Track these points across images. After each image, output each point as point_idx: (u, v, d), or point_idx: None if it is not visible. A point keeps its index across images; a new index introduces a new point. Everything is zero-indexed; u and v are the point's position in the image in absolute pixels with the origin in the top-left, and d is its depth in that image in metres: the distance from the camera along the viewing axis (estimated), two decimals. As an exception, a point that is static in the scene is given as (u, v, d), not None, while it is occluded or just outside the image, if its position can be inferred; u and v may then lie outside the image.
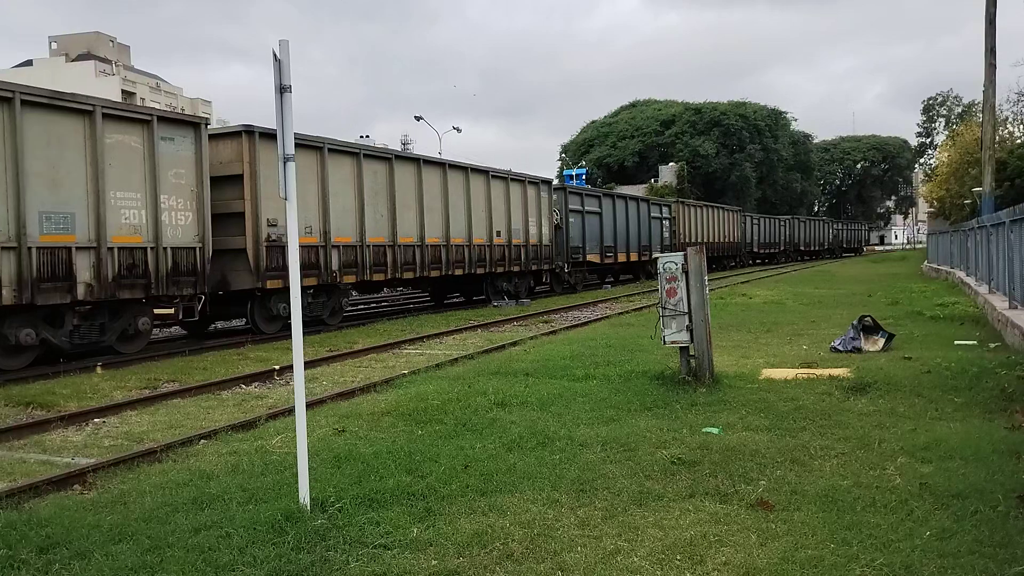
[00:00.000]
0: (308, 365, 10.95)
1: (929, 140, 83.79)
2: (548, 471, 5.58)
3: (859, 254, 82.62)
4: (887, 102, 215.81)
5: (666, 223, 38.04)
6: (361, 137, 55.33)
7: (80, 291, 11.89)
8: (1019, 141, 44.25)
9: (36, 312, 11.63)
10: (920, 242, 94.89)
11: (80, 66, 73.18)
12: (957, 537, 4.22)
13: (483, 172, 22.88)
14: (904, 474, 5.32)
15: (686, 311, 8.52)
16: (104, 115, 12.25)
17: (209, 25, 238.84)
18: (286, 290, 15.54)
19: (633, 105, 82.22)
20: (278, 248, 15.27)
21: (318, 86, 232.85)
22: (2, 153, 11.02)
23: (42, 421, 8.13)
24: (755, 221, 55.74)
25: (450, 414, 7.45)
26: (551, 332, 15.42)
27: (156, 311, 13.72)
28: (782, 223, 61.78)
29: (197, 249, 13.78)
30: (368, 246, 17.79)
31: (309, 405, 7.54)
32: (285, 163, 4.87)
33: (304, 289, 15.98)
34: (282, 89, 4.87)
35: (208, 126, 14.35)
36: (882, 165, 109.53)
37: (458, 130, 62.53)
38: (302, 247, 15.51)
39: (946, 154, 56.39)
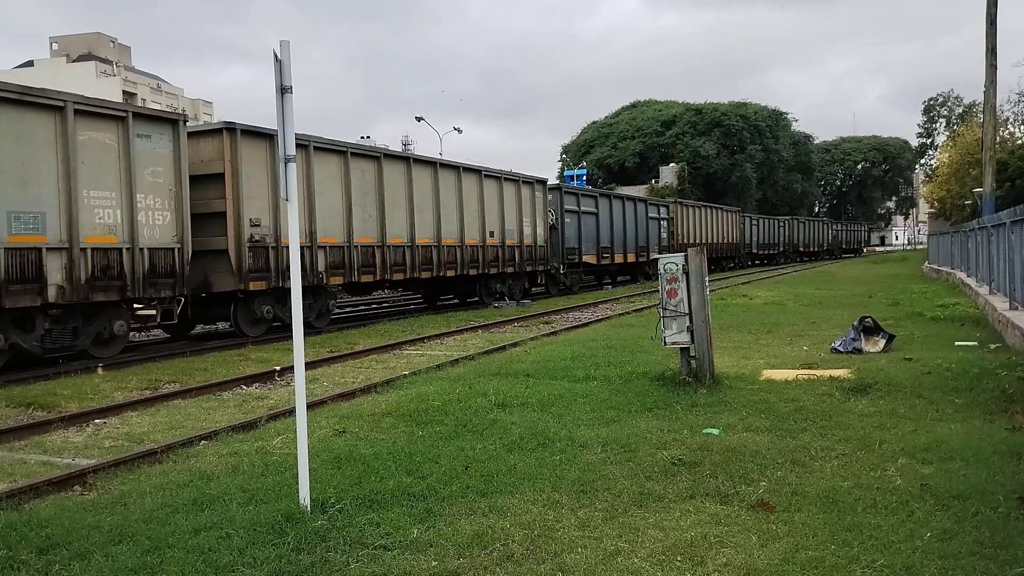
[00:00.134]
0: (309, 366, 10.96)
1: (930, 141, 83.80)
2: (549, 472, 5.58)
3: (858, 255, 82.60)
4: (888, 102, 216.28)
5: (664, 223, 37.83)
6: (362, 138, 55.32)
7: (51, 293, 11.51)
8: (1020, 142, 44.29)
9: (5, 315, 11.19)
10: (921, 243, 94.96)
11: (81, 67, 73.25)
12: (958, 538, 4.22)
13: (475, 171, 22.64)
14: (905, 475, 5.31)
15: (687, 312, 8.52)
16: (76, 111, 11.86)
17: (209, 25, 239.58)
18: (270, 292, 15.39)
19: (634, 106, 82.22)
20: (261, 249, 15.02)
21: (318, 86, 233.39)
22: None
23: (43, 422, 8.13)
24: (754, 222, 55.70)
25: (451, 415, 7.45)
26: (552, 333, 15.42)
27: (140, 313, 13.39)
28: (781, 224, 61.75)
29: (176, 250, 13.40)
30: (356, 247, 17.50)
31: (310, 406, 7.54)
32: (287, 164, 4.88)
33: (288, 291, 15.60)
34: (283, 90, 4.87)
35: (187, 123, 13.98)
36: (883, 166, 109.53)
37: (459, 131, 62.52)
38: (286, 248, 15.25)
39: (947, 155, 56.46)
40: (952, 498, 4.81)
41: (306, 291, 16.57)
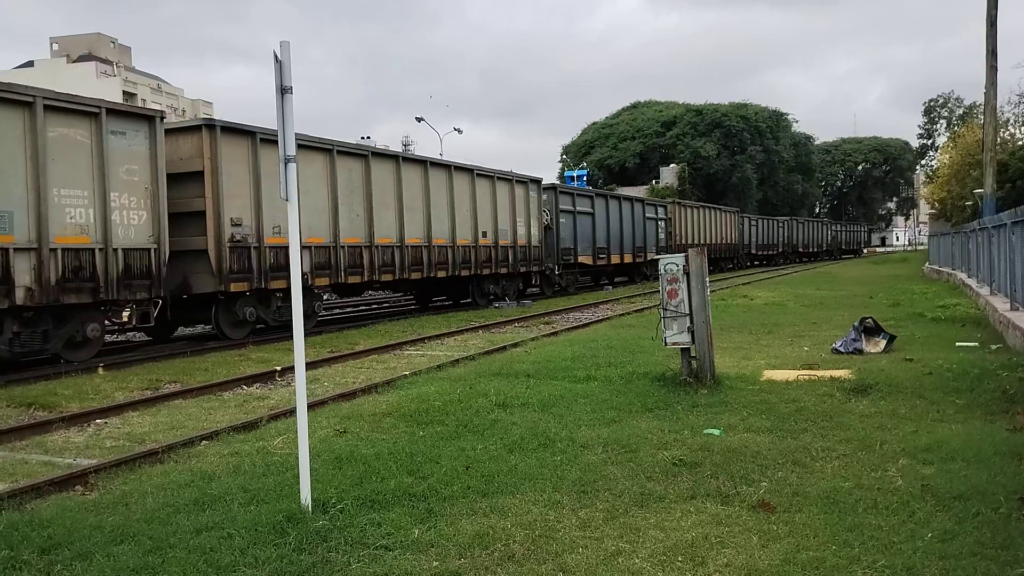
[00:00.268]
0: (309, 366, 10.97)
1: (930, 142, 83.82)
2: (549, 472, 5.58)
3: (858, 256, 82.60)
4: (888, 103, 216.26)
5: (662, 224, 37.63)
6: (362, 138, 55.21)
7: (19, 296, 11.11)
8: (1020, 143, 44.29)
9: None
10: (921, 244, 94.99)
11: (81, 67, 73.25)
12: (959, 539, 4.22)
13: (467, 170, 22.24)
14: (906, 476, 5.31)
15: (687, 312, 8.52)
16: (46, 107, 11.51)
17: (209, 25, 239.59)
18: (252, 293, 15.12)
19: (634, 106, 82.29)
20: (243, 249, 14.63)
21: (318, 86, 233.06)
22: None
23: (44, 422, 8.13)
24: (753, 222, 55.71)
25: (451, 415, 7.46)
26: (552, 333, 15.42)
27: (123, 315, 13.05)
28: (780, 224, 61.75)
29: (152, 250, 12.98)
30: (343, 247, 17.09)
31: (310, 406, 7.55)
32: (287, 164, 4.88)
33: (271, 292, 15.50)
34: (283, 90, 4.87)
35: (164, 120, 13.54)
36: (883, 167, 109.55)
37: (459, 131, 62.52)
38: (269, 248, 15.13)
39: (947, 156, 56.47)
40: (953, 499, 4.81)
41: (290, 292, 16.33)
